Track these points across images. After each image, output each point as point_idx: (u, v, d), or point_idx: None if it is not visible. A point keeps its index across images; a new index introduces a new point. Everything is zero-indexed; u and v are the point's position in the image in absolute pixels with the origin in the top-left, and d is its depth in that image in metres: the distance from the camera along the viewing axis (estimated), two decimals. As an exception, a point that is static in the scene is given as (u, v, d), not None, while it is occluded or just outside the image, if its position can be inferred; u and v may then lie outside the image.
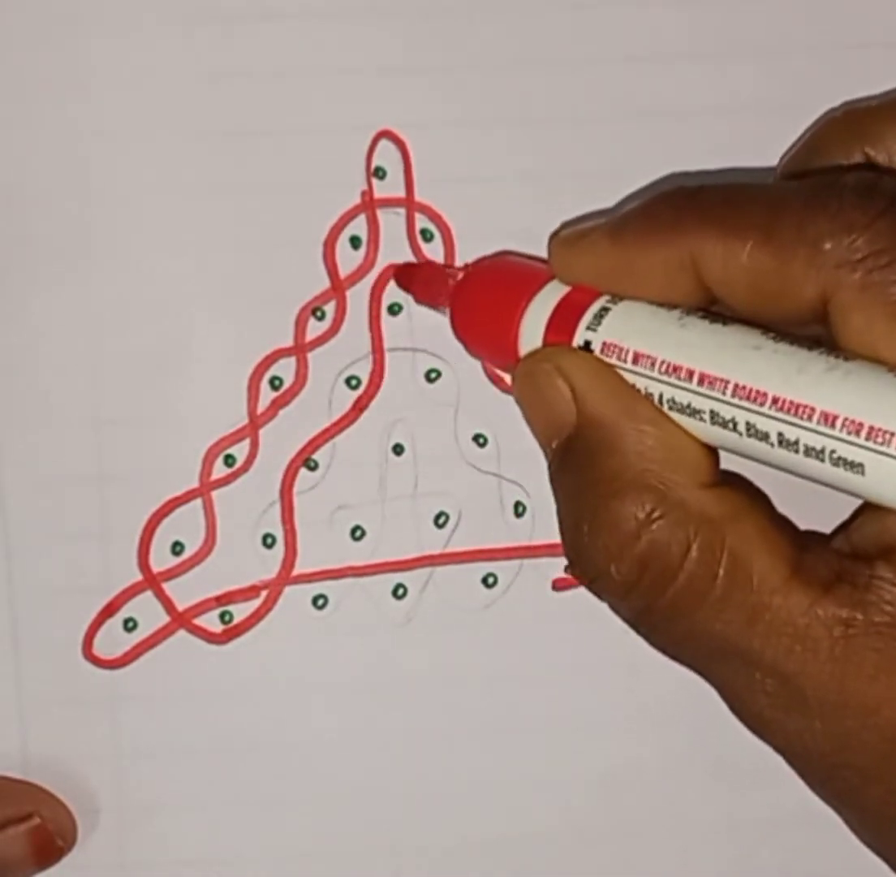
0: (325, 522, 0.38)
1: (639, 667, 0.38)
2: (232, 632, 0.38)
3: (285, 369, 0.38)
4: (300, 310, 0.38)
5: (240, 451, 0.38)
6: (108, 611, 0.38)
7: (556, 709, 0.38)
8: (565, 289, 0.31)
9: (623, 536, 0.28)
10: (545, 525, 0.38)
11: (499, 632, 0.38)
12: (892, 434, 0.26)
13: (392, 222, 0.38)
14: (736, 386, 0.28)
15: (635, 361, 0.29)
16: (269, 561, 0.38)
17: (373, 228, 0.38)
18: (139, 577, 0.38)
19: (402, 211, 0.38)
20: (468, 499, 0.38)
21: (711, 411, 0.28)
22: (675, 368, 0.29)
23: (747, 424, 0.27)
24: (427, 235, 0.38)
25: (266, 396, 0.38)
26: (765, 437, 0.27)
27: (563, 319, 0.31)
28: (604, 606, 0.38)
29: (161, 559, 0.38)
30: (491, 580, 0.38)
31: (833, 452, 0.26)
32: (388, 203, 0.38)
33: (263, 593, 0.38)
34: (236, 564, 0.38)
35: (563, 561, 0.38)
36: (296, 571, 0.38)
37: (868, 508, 0.29)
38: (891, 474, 0.26)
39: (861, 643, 0.27)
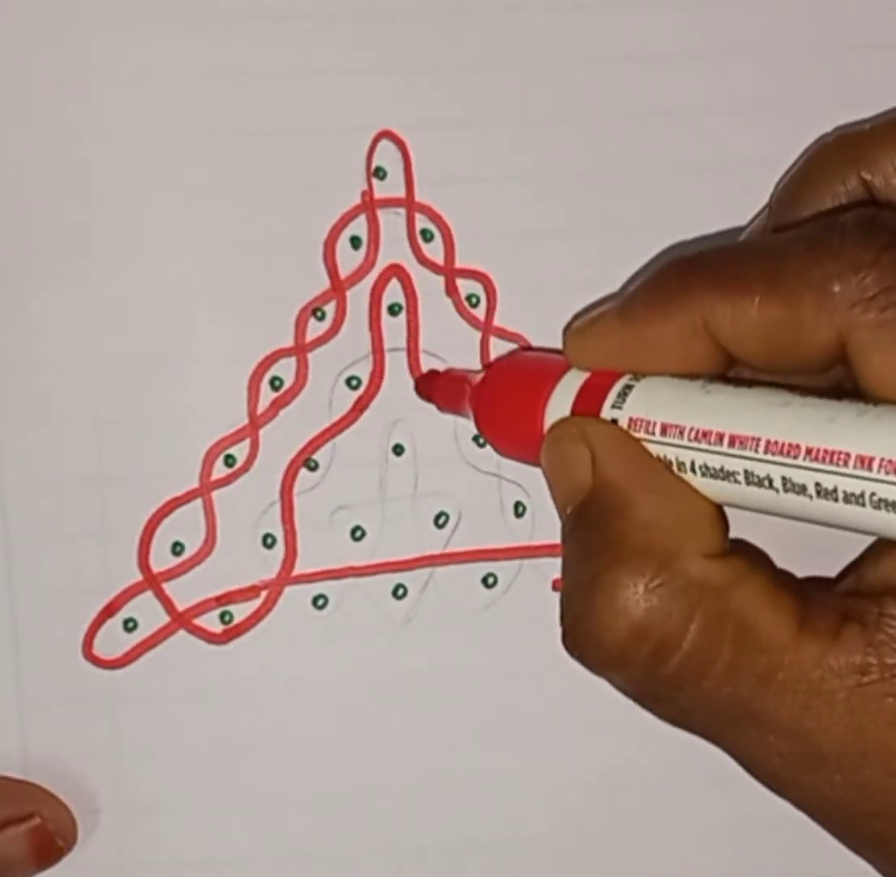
0: (326, 522, 0.38)
1: (639, 667, 0.38)
2: (232, 632, 0.38)
3: (285, 369, 0.38)
4: (300, 310, 0.38)
5: (240, 451, 0.38)
6: (109, 611, 0.38)
7: (556, 709, 0.38)
8: (585, 375, 0.31)
9: (620, 603, 0.28)
10: (545, 525, 0.38)
11: (499, 632, 0.38)
12: None
13: (392, 222, 0.38)
14: (768, 442, 0.27)
15: (663, 432, 0.29)
16: (270, 561, 0.38)
17: (373, 228, 0.38)
18: (139, 577, 0.38)
19: (403, 211, 0.38)
20: (468, 499, 0.38)
21: (746, 471, 0.28)
22: (705, 434, 0.28)
23: (783, 478, 0.27)
24: (427, 236, 0.38)
25: (266, 396, 0.38)
26: (802, 489, 0.27)
27: (587, 403, 0.31)
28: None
29: (161, 559, 0.38)
30: (491, 580, 0.38)
31: (873, 494, 0.26)
32: (389, 203, 0.38)
33: (263, 593, 0.38)
34: (236, 565, 0.38)
35: (563, 561, 0.38)
36: (296, 572, 0.38)
37: (877, 547, 0.29)
38: None
39: (877, 690, 0.26)
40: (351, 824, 0.39)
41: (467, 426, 0.38)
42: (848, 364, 0.27)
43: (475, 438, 0.38)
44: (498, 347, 0.38)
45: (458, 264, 0.38)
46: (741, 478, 0.28)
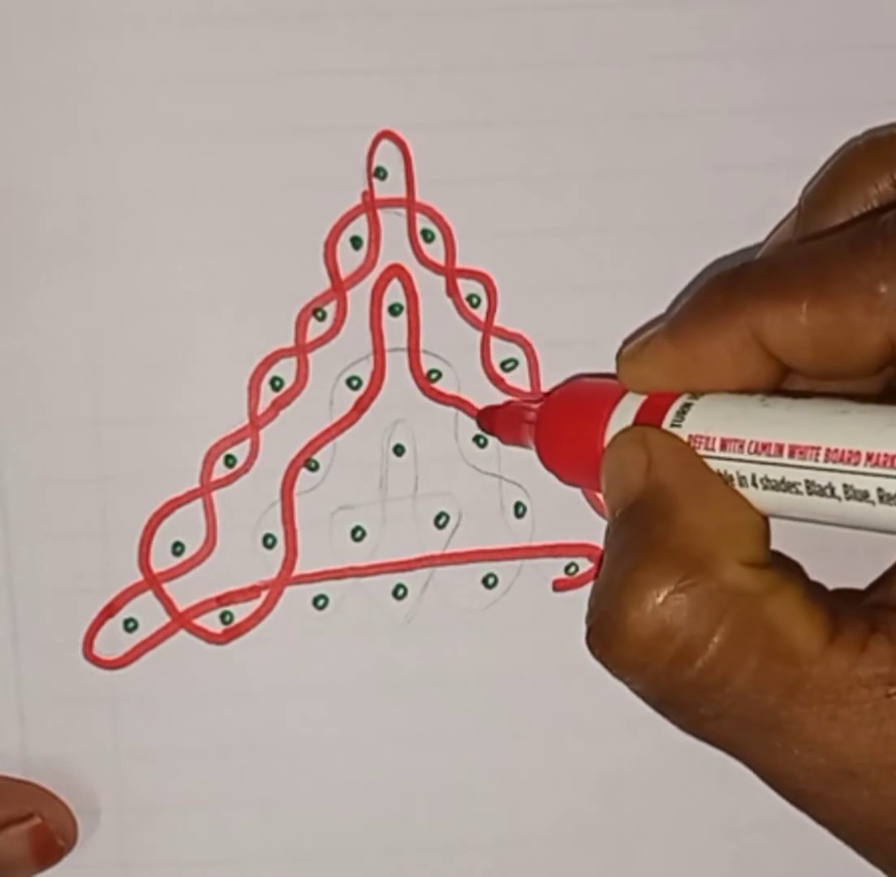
0: (326, 522, 0.38)
1: (639, 668, 0.38)
2: (232, 632, 0.38)
3: (286, 370, 0.38)
4: (301, 310, 0.38)
5: (240, 451, 0.38)
6: (109, 611, 0.38)
7: (557, 709, 0.38)
8: (642, 398, 0.32)
9: (649, 601, 0.28)
10: (545, 526, 0.38)
11: (499, 632, 0.38)
12: None
13: (393, 223, 0.38)
14: (828, 450, 0.27)
15: (723, 446, 0.29)
16: (270, 561, 0.38)
17: (374, 228, 0.38)
18: (139, 577, 0.38)
19: (403, 211, 0.38)
20: (469, 500, 0.38)
21: (807, 481, 0.28)
22: (764, 446, 0.28)
23: (845, 486, 0.27)
24: (428, 236, 0.38)
25: (267, 396, 0.38)
26: (864, 496, 0.27)
27: (646, 423, 0.31)
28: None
29: (161, 559, 0.38)
30: (491, 581, 0.38)
31: None
32: (389, 203, 0.38)
33: (264, 594, 0.38)
34: (237, 565, 0.38)
35: (563, 562, 0.38)
36: (296, 572, 0.38)
37: None
38: None
39: None
40: (351, 824, 0.39)
41: (468, 426, 0.38)
42: None
43: (475, 439, 0.38)
44: (498, 348, 0.38)
45: (459, 265, 0.38)
46: (803, 488, 0.28)
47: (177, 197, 0.37)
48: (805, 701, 0.27)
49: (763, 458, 0.28)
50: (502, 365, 0.38)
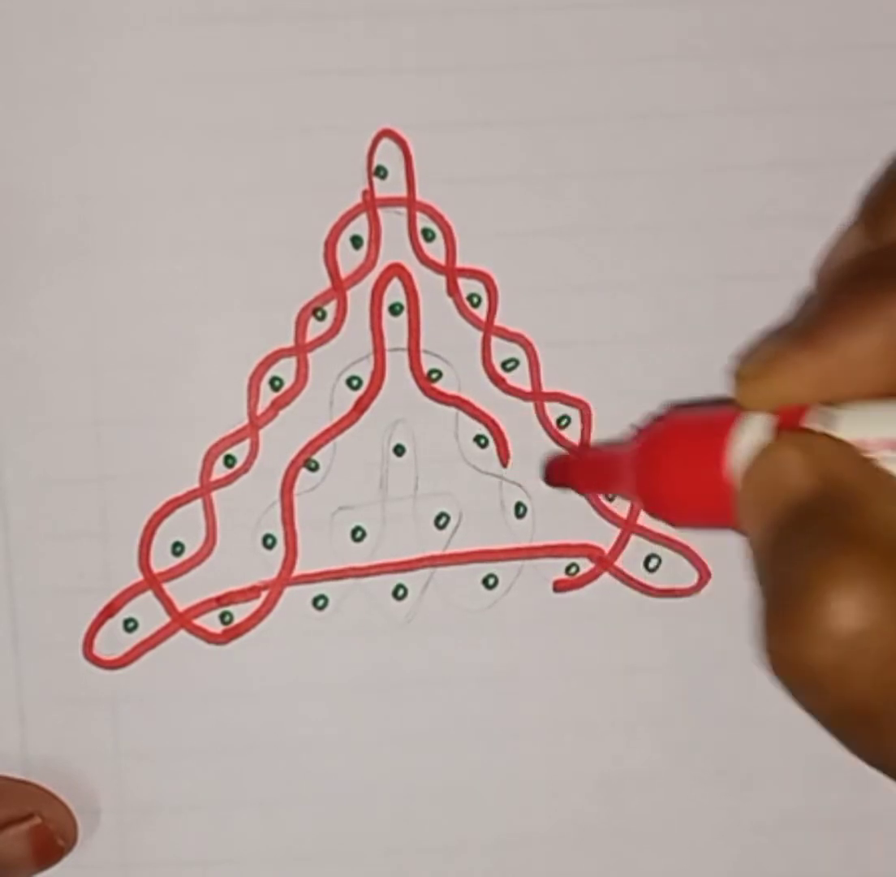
0: (326, 522, 0.38)
1: (639, 668, 0.38)
2: (232, 632, 0.38)
3: (286, 370, 0.38)
4: (301, 310, 0.38)
5: (240, 451, 0.38)
6: (109, 611, 0.38)
7: (557, 710, 0.38)
8: (765, 417, 0.29)
9: (870, 597, 0.24)
10: (546, 526, 0.38)
11: (499, 632, 0.38)
12: None
13: (393, 222, 0.38)
14: None
15: (885, 449, 0.27)
16: (270, 561, 0.38)
17: (374, 227, 0.38)
18: (139, 577, 0.38)
19: (404, 210, 0.38)
20: (469, 500, 0.38)
21: None
22: None
23: None
24: (428, 235, 0.38)
25: (266, 396, 0.38)
26: None
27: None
28: (604, 608, 0.38)
29: (161, 559, 0.38)
30: (492, 581, 0.38)
31: None
32: (390, 202, 0.38)
33: (264, 594, 0.38)
34: (237, 565, 0.38)
35: (564, 562, 0.38)
36: (296, 572, 0.38)
37: None
38: None
39: None
40: (351, 824, 0.39)
41: (468, 426, 0.38)
42: None
43: (476, 439, 0.38)
44: (499, 347, 0.38)
45: (460, 264, 0.38)
46: None
47: (177, 197, 0.37)
48: None
49: None
50: (503, 365, 0.38)
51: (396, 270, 0.38)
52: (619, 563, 0.38)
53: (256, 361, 0.38)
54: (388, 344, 0.38)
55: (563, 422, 0.38)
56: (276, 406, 0.38)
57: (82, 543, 0.38)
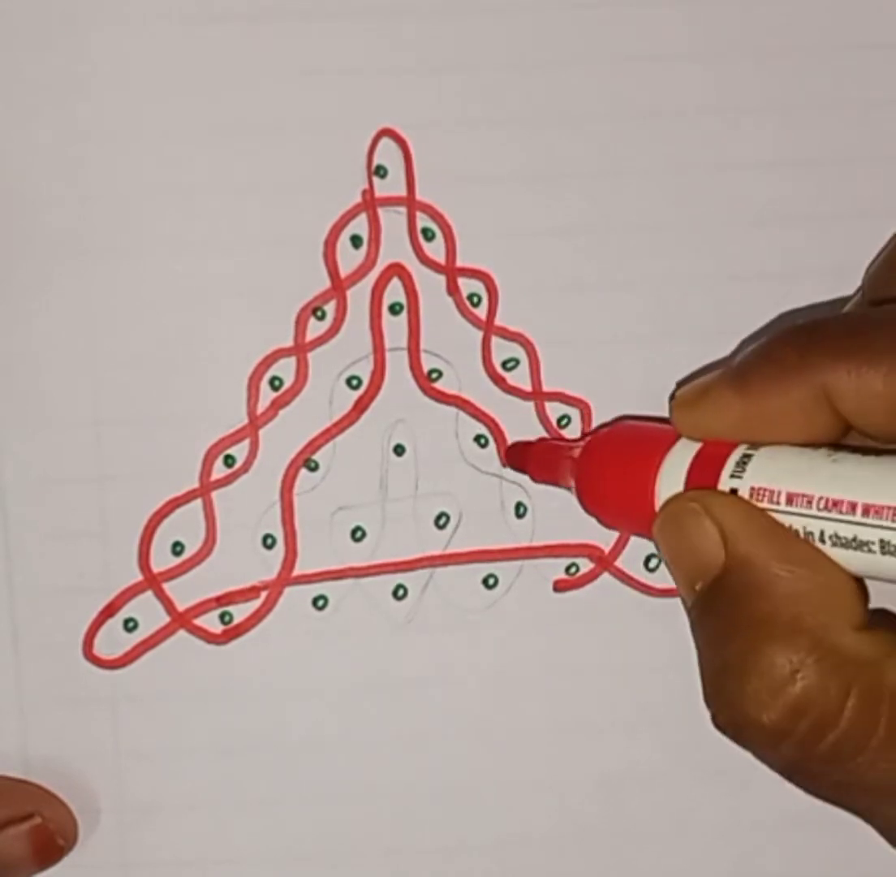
0: (326, 522, 0.38)
1: (639, 668, 0.38)
2: (232, 632, 0.38)
3: (285, 369, 0.38)
4: (300, 309, 0.38)
5: (240, 451, 0.38)
6: (109, 611, 0.38)
7: (557, 710, 0.38)
8: (696, 445, 0.31)
9: (776, 682, 0.27)
10: (546, 526, 0.38)
11: (499, 633, 0.38)
12: None
13: (393, 221, 0.38)
14: None
15: (790, 501, 0.29)
16: (270, 561, 0.38)
17: (374, 227, 0.38)
18: (139, 577, 0.38)
19: (404, 210, 0.38)
20: (469, 500, 0.38)
21: (881, 541, 0.27)
22: (836, 503, 0.28)
23: None
24: (428, 235, 0.38)
25: (266, 396, 0.38)
26: None
27: (703, 472, 0.30)
28: (604, 608, 0.38)
29: (161, 559, 0.38)
30: (491, 581, 0.38)
31: None
32: (390, 202, 0.38)
33: (263, 594, 0.38)
34: (236, 565, 0.38)
35: (564, 562, 0.38)
36: (296, 572, 0.38)
37: None
38: None
39: None
40: (351, 824, 0.38)
41: (468, 426, 0.38)
42: None
43: (476, 438, 0.38)
44: (499, 347, 0.38)
45: (460, 263, 0.38)
46: (876, 548, 0.27)
47: (177, 196, 0.37)
48: None
49: (833, 515, 0.28)
50: (503, 364, 0.38)
51: (396, 270, 0.38)
52: (619, 563, 0.38)
53: (256, 360, 0.38)
54: (388, 344, 0.38)
55: (564, 421, 0.38)
56: (276, 406, 0.38)
57: (82, 543, 0.38)
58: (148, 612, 0.38)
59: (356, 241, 0.38)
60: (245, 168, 0.37)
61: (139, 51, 0.37)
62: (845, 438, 0.30)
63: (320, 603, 0.38)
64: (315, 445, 0.38)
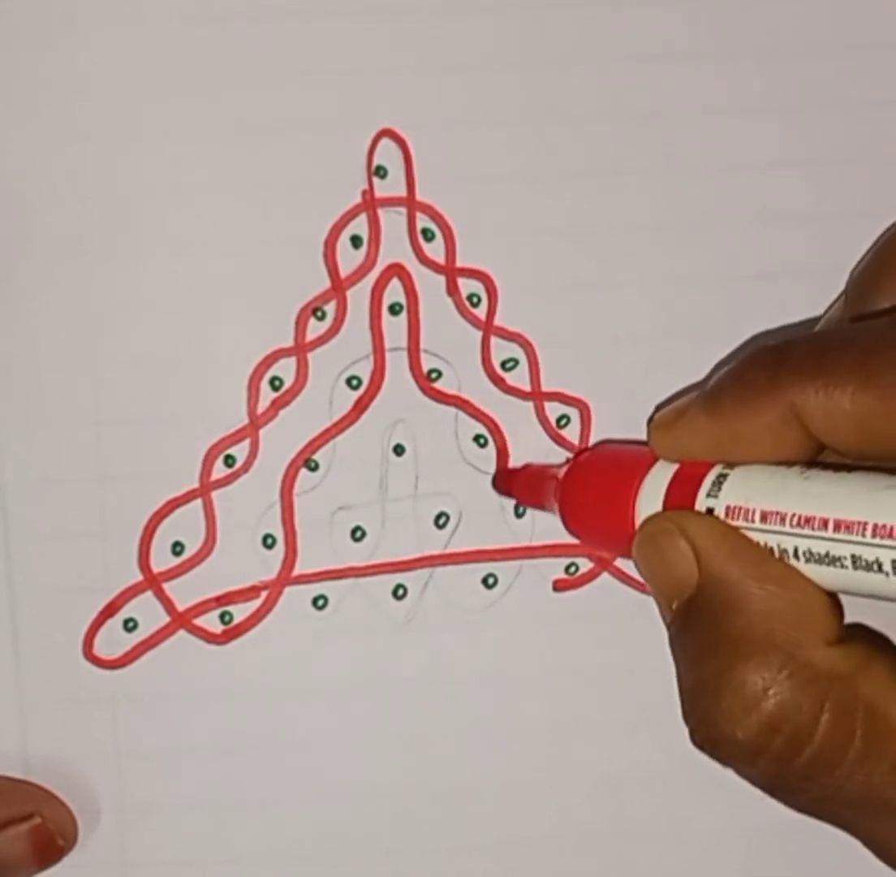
0: (326, 522, 0.38)
1: (639, 668, 0.38)
2: (232, 632, 0.38)
3: (286, 369, 0.38)
4: (301, 310, 0.38)
5: (240, 451, 0.38)
6: (109, 611, 0.38)
7: (556, 710, 0.38)
8: (674, 466, 0.32)
9: (750, 698, 0.28)
10: (545, 526, 0.38)
11: (499, 632, 0.38)
12: None
13: (393, 222, 0.38)
14: (876, 526, 0.27)
15: (763, 519, 0.29)
16: (270, 561, 0.38)
17: (374, 227, 0.38)
18: (139, 577, 0.38)
19: (404, 210, 0.38)
20: (469, 499, 0.38)
21: (853, 556, 0.27)
22: (808, 520, 0.28)
23: (893, 562, 0.27)
24: (428, 235, 0.38)
25: (266, 396, 0.38)
26: None
27: (680, 493, 0.31)
28: (604, 608, 0.38)
29: (161, 559, 0.38)
30: (491, 581, 0.38)
31: None
32: (389, 202, 0.38)
33: (263, 594, 0.38)
34: (236, 565, 0.38)
35: (563, 562, 0.38)
36: (296, 572, 0.38)
37: None
38: None
39: None
40: (351, 824, 0.38)
41: (468, 426, 0.38)
42: None
43: (476, 438, 0.38)
44: (499, 347, 0.38)
45: (459, 264, 0.38)
46: (848, 563, 0.28)
47: (177, 196, 0.37)
48: None
49: (807, 531, 0.28)
50: (503, 364, 0.38)
51: (396, 270, 0.38)
52: (618, 563, 0.38)
53: (256, 360, 0.38)
54: (387, 344, 0.38)
55: (563, 421, 0.38)
56: (276, 406, 0.38)
57: (82, 543, 0.38)
58: (148, 612, 0.38)
59: (356, 241, 0.38)
60: (245, 168, 0.37)
61: (139, 51, 0.37)
62: (821, 456, 0.30)
63: (320, 603, 0.38)
64: (315, 445, 0.38)
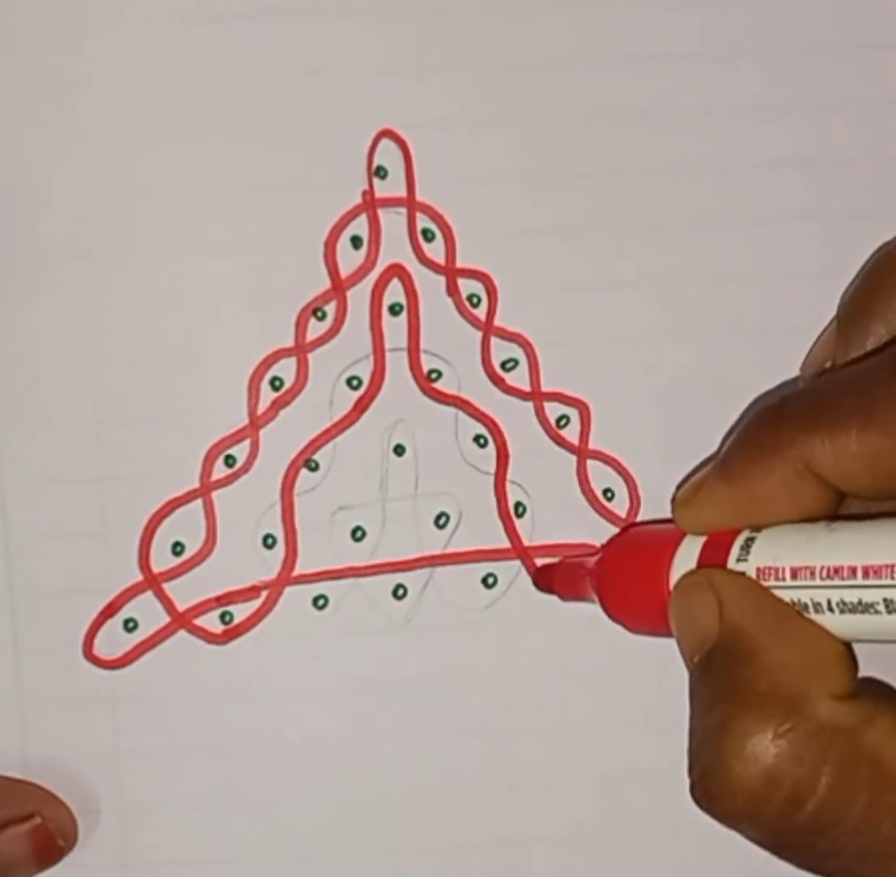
0: (326, 522, 0.38)
1: (638, 668, 0.38)
2: (232, 632, 0.38)
3: (286, 370, 0.38)
4: (301, 310, 0.38)
5: (240, 451, 0.38)
6: (109, 611, 0.38)
7: (556, 710, 0.38)
8: (702, 539, 0.32)
9: (750, 750, 0.27)
10: (545, 526, 0.38)
11: (499, 632, 0.38)
12: None
13: (393, 222, 0.38)
14: None
15: (793, 575, 0.29)
16: (270, 561, 0.38)
17: (374, 227, 0.38)
18: (139, 577, 0.38)
19: (404, 211, 0.38)
20: (469, 499, 0.38)
21: (885, 600, 0.27)
22: (837, 570, 0.28)
23: None
24: (428, 235, 0.38)
25: (266, 396, 0.38)
26: None
27: (711, 561, 0.31)
28: (604, 608, 0.38)
29: (161, 559, 0.38)
30: (491, 581, 0.38)
31: None
32: (390, 203, 0.38)
33: (264, 594, 0.38)
34: (237, 565, 0.38)
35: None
36: (296, 572, 0.38)
37: None
38: None
39: None
40: (351, 824, 0.38)
41: (468, 426, 0.38)
42: None
43: (476, 438, 0.38)
44: (499, 347, 0.38)
45: (460, 264, 0.38)
46: (882, 607, 0.27)
47: (177, 197, 0.37)
48: None
49: (837, 582, 0.28)
50: (503, 365, 0.38)
51: (396, 270, 0.38)
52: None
53: (256, 361, 0.38)
54: (388, 344, 0.38)
55: (563, 422, 0.38)
56: (277, 406, 0.38)
57: (82, 543, 0.38)
58: (148, 612, 0.38)
59: (356, 241, 0.38)
60: (245, 168, 0.37)
61: (139, 51, 0.37)
62: (844, 507, 0.30)
63: (320, 603, 0.38)
64: (315, 445, 0.38)
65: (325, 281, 0.38)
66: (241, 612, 0.38)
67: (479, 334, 0.38)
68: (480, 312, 0.38)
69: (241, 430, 0.38)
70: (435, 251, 0.38)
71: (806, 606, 0.29)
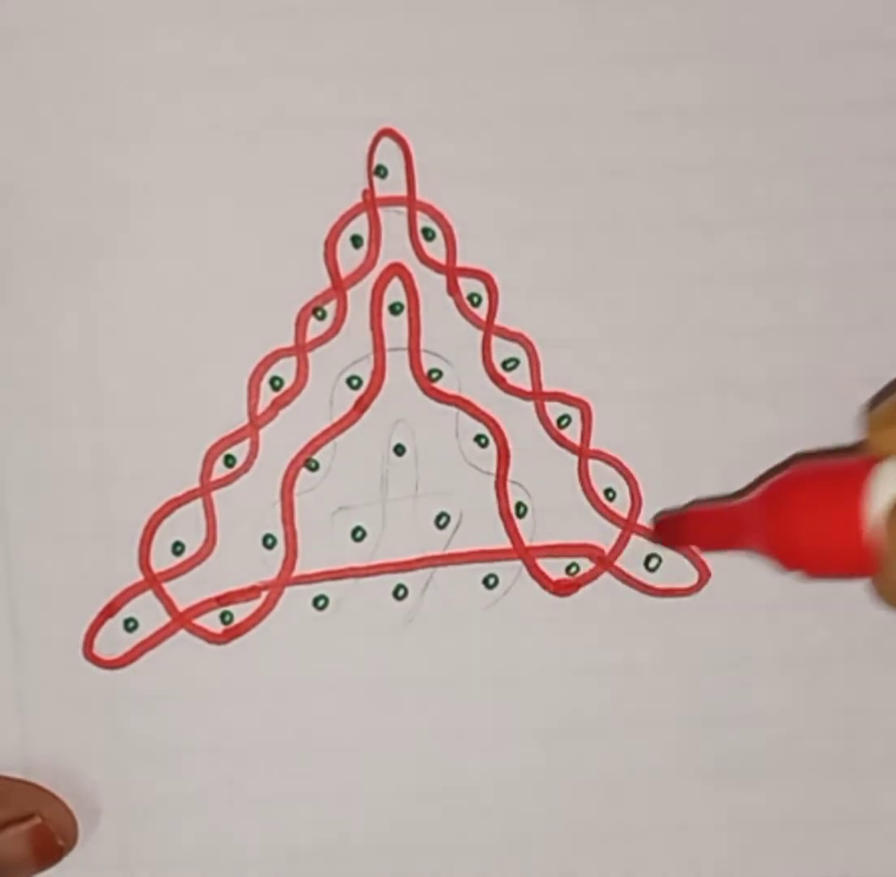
0: (326, 522, 0.38)
1: (638, 668, 0.38)
2: (232, 632, 0.38)
3: (286, 369, 0.38)
4: (301, 309, 0.38)
5: (240, 451, 0.38)
6: (109, 611, 0.38)
7: (556, 710, 0.38)
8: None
9: None
10: (546, 526, 0.38)
11: (499, 632, 0.38)
12: None
13: (393, 221, 0.38)
14: None
15: None
16: (270, 561, 0.38)
17: (374, 226, 0.38)
18: (140, 577, 0.38)
19: (404, 210, 0.38)
20: (469, 499, 0.38)
21: None
22: None
23: None
24: (428, 234, 0.38)
25: (266, 396, 0.38)
26: None
27: None
28: (604, 608, 0.38)
29: (161, 559, 0.38)
30: (492, 581, 0.38)
31: None
32: (390, 202, 0.38)
33: (264, 594, 0.38)
34: (237, 565, 0.38)
35: (564, 562, 0.38)
36: (296, 572, 0.38)
37: None
38: None
39: None
40: (351, 824, 0.38)
41: (468, 426, 0.38)
42: None
43: (476, 438, 0.38)
44: (500, 347, 0.38)
45: (460, 263, 0.38)
46: None
47: (177, 196, 0.37)
48: None
49: None
50: (503, 364, 0.38)
51: (396, 270, 0.38)
52: (619, 563, 0.38)
53: (256, 360, 0.38)
54: (388, 343, 0.38)
55: (564, 421, 0.38)
56: (277, 406, 0.38)
57: (82, 543, 0.38)
58: (148, 612, 0.38)
59: (356, 241, 0.38)
60: (245, 168, 0.37)
61: (140, 51, 0.37)
62: None
63: (320, 603, 0.38)
64: (315, 444, 0.38)
65: (325, 280, 0.38)
66: (241, 612, 0.38)
67: (480, 334, 0.38)
68: (481, 312, 0.38)
69: (241, 429, 0.38)
70: (435, 250, 0.38)
71: None
